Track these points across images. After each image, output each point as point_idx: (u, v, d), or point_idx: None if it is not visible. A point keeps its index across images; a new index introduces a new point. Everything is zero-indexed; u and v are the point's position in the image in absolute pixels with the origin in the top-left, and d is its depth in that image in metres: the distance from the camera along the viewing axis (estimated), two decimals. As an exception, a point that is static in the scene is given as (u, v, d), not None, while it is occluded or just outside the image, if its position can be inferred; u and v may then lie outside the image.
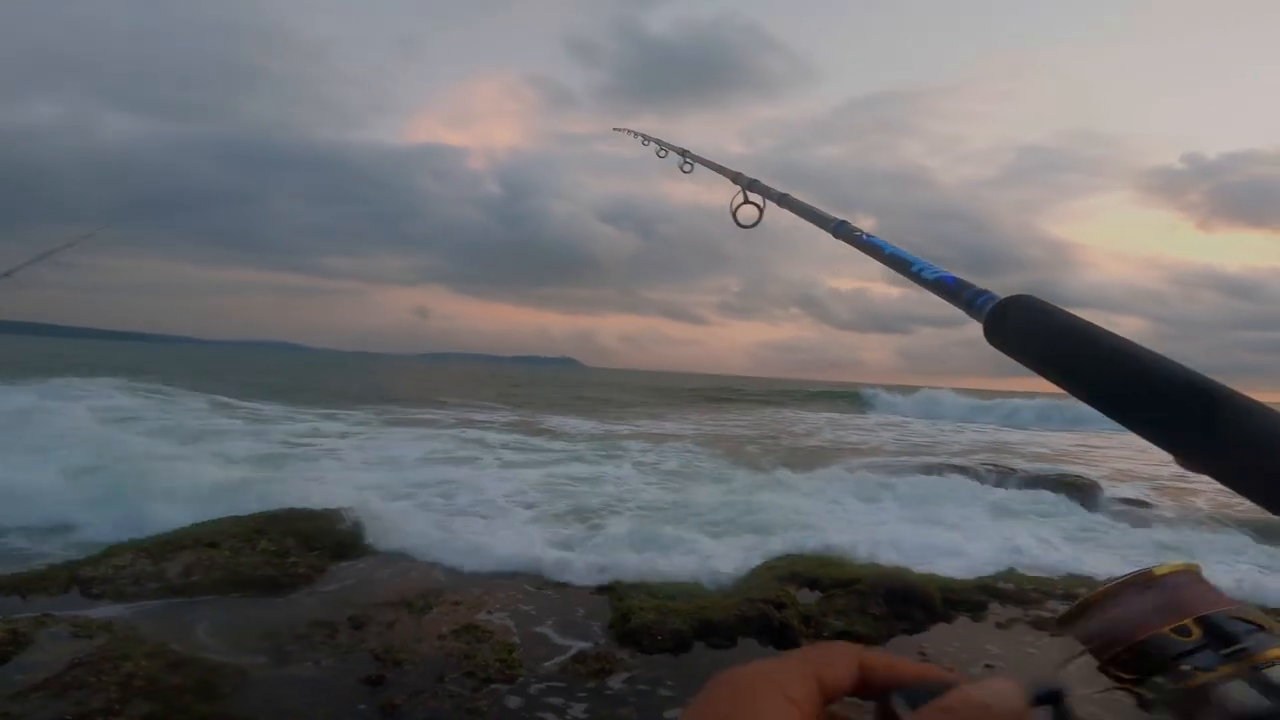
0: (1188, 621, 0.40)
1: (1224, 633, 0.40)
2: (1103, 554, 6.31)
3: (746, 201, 1.43)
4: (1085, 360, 0.51)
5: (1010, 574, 5.09)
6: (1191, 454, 0.44)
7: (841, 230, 1.01)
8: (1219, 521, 8.38)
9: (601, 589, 4.37)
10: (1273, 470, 0.41)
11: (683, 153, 2.01)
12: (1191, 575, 0.44)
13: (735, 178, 1.51)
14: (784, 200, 1.34)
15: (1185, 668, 0.38)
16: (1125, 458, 15.19)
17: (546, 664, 3.34)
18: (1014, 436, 21.44)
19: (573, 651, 3.49)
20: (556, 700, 3.03)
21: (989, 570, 5.13)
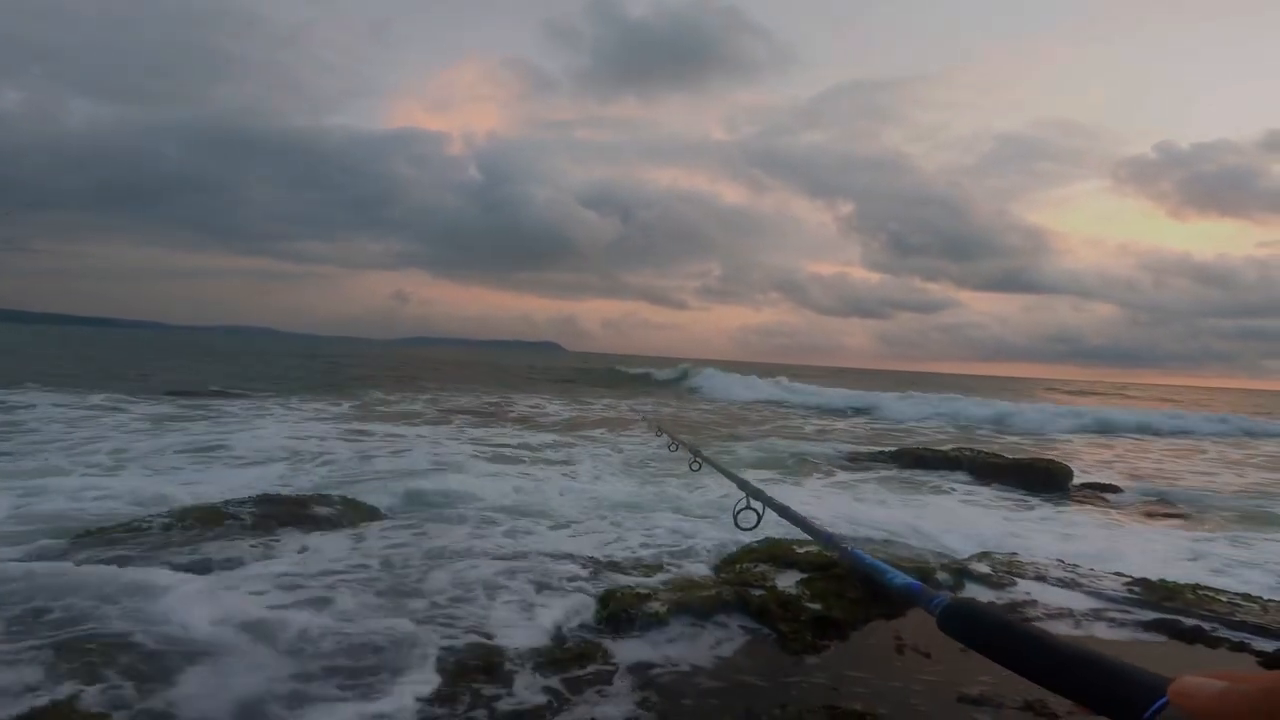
0: None
1: None
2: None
3: (749, 507, 1.62)
4: (1009, 650, 0.71)
5: (984, 556, 5.17)
6: (1086, 699, 0.60)
7: (831, 543, 1.28)
8: (1157, 517, 8.59)
9: (580, 573, 4.36)
10: (1131, 699, 0.57)
11: (694, 452, 2.27)
12: None
13: (741, 484, 1.71)
14: (783, 512, 1.58)
15: None
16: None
17: (526, 650, 3.32)
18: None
19: (554, 637, 3.48)
20: (536, 686, 3.02)
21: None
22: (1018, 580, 4.67)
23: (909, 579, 0.92)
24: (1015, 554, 5.31)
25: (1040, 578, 4.75)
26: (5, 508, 5.55)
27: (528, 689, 2.99)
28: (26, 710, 2.46)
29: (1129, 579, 4.72)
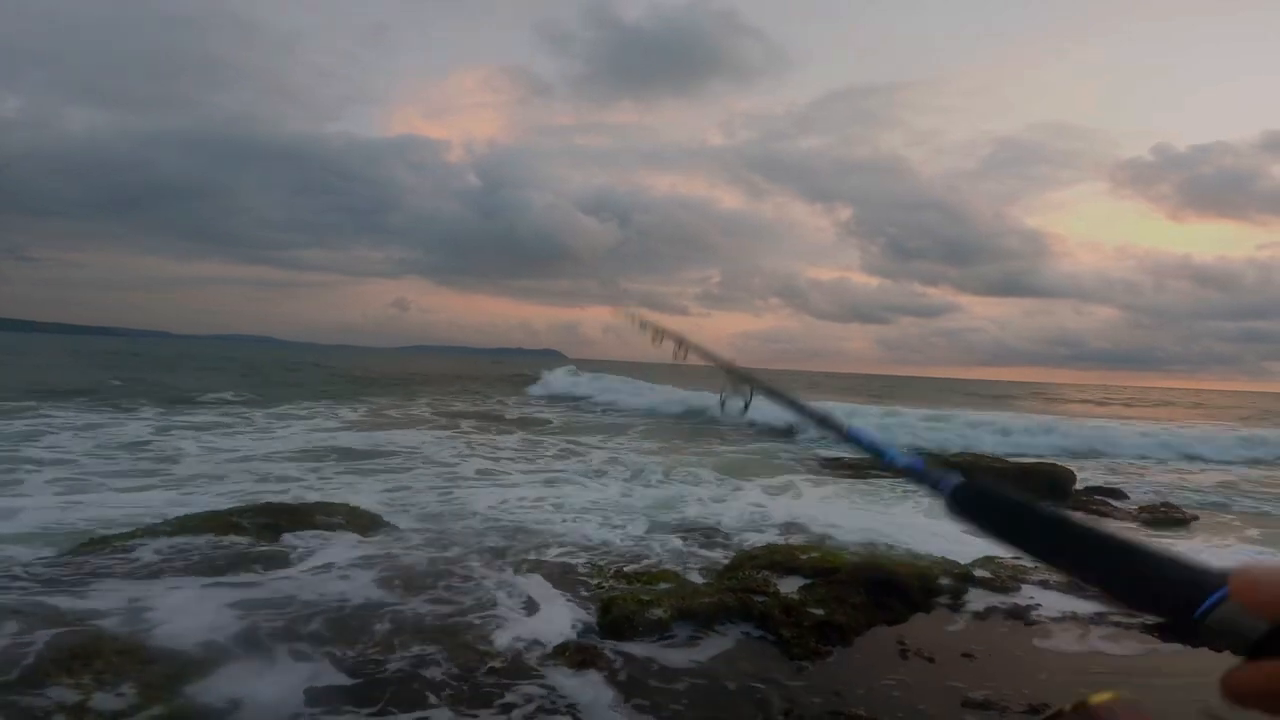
0: None
1: None
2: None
3: (736, 393, 1.51)
4: (1026, 533, 0.64)
5: (986, 561, 5.16)
6: (1122, 595, 0.54)
7: (826, 423, 1.15)
8: (1153, 525, 8.54)
9: (586, 576, 4.38)
10: (1181, 596, 0.49)
11: (678, 340, 2.13)
12: (1126, 703, 0.52)
13: (728, 369, 1.65)
14: (772, 394, 1.47)
15: None
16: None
17: (527, 655, 3.33)
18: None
19: (555, 642, 3.48)
20: (539, 691, 3.02)
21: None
22: (1021, 585, 4.67)
23: (912, 458, 0.85)
24: (1019, 559, 5.30)
25: (1044, 583, 4.74)
26: (32, 520, 5.61)
27: (530, 693, 2.99)
28: (40, 717, 2.47)
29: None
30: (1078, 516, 0.60)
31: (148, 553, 4.31)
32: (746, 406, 1.51)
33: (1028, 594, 4.54)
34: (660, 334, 2.21)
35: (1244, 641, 0.46)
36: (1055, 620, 4.15)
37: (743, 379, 1.52)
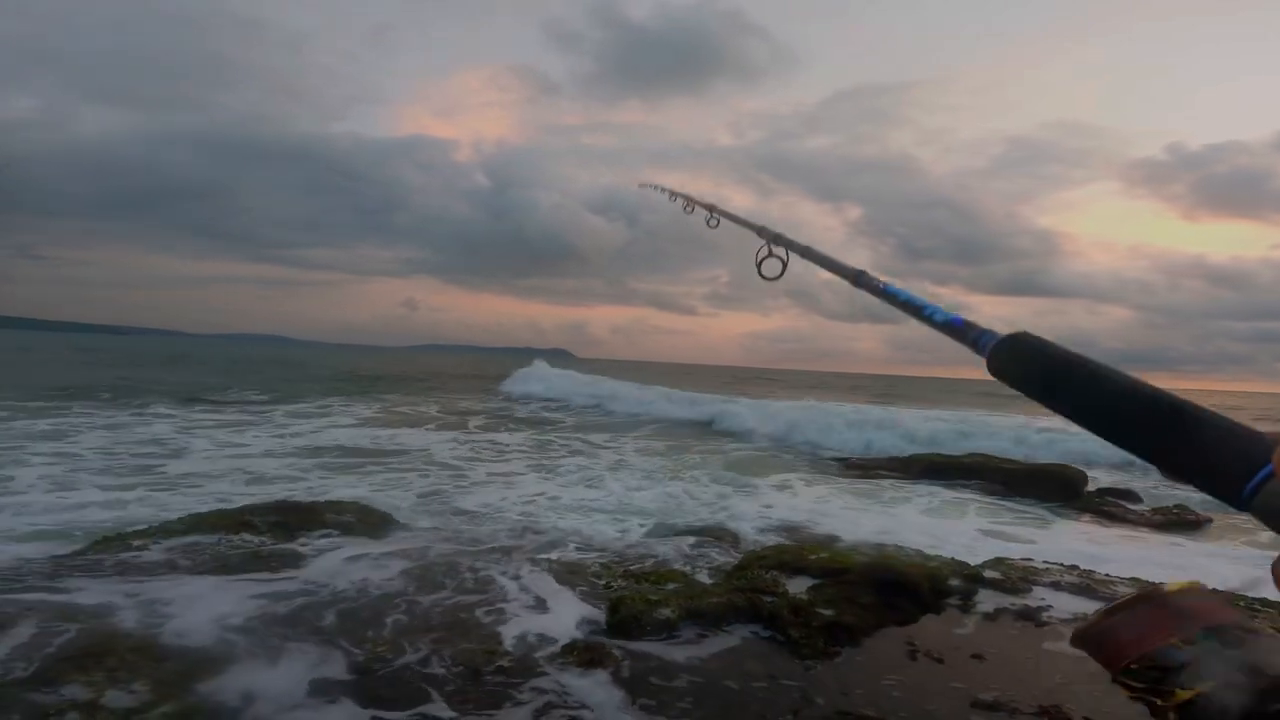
0: (1194, 633, 0.44)
1: (1228, 640, 0.44)
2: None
3: (771, 255, 1.47)
4: (1079, 392, 0.57)
5: (998, 562, 5.13)
6: (1171, 464, 0.49)
7: (861, 280, 1.10)
8: (1164, 528, 8.45)
9: (594, 576, 4.38)
10: (1231, 470, 0.44)
11: (710, 208, 2.05)
12: (1198, 591, 0.49)
13: (760, 231, 1.57)
14: (807, 253, 1.42)
15: (1191, 675, 0.43)
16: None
17: (535, 655, 3.34)
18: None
19: (563, 641, 3.49)
20: (546, 692, 3.03)
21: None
22: (1033, 586, 4.64)
23: (951, 314, 0.82)
24: (1030, 560, 5.26)
25: (1055, 584, 4.71)
26: (49, 517, 5.66)
27: (537, 692, 3.00)
28: (53, 714, 2.50)
29: (1145, 584, 4.67)
30: (1129, 375, 0.55)
31: (160, 550, 4.36)
32: (784, 268, 1.46)
33: (1039, 595, 4.50)
34: (691, 203, 2.20)
35: None
36: (1066, 622, 4.12)
37: (776, 240, 1.47)
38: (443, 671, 3.10)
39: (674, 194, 2.47)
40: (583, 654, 3.34)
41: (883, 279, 1.05)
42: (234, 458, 9.66)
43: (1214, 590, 0.50)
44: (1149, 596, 0.48)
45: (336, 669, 3.05)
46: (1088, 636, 0.50)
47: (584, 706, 2.94)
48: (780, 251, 1.46)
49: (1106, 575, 4.93)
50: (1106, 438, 0.53)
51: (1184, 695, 0.42)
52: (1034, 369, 0.62)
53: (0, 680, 2.71)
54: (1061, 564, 5.25)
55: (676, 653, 3.48)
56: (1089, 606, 4.36)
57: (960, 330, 0.77)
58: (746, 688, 3.20)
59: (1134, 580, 4.80)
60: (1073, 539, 7.08)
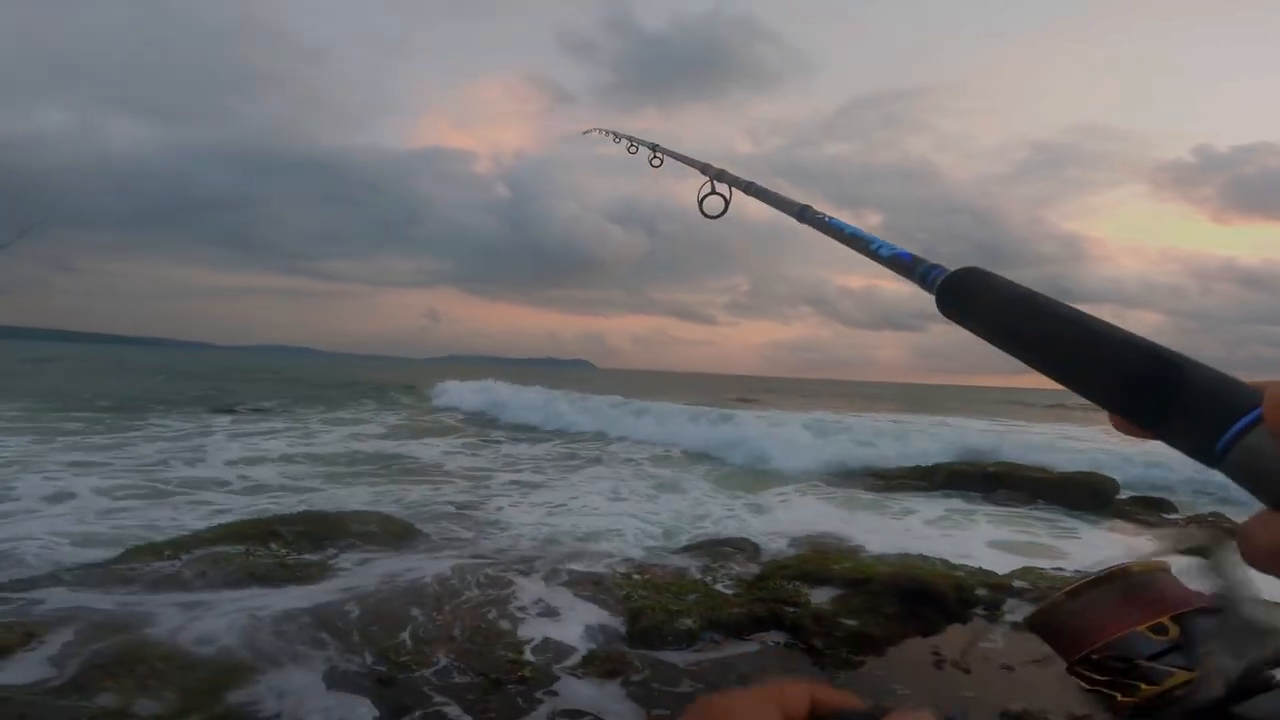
0: (1165, 619, 0.40)
1: (1198, 633, 0.39)
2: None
3: (714, 192, 1.42)
4: (1031, 327, 0.51)
5: (1027, 571, 5.03)
6: (1139, 414, 0.42)
7: (805, 215, 1.04)
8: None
9: (614, 587, 4.37)
10: (1205, 419, 0.38)
11: (653, 147, 2.00)
12: (1167, 573, 0.44)
13: (704, 169, 1.49)
14: (750, 188, 1.35)
15: (1161, 668, 0.37)
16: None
17: (557, 665, 3.34)
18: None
19: (583, 652, 3.48)
20: (568, 702, 3.02)
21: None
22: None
23: (898, 248, 0.75)
24: (1060, 569, 5.16)
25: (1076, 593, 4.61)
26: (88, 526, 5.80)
27: (559, 702, 3.00)
28: (84, 717, 2.55)
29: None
30: (1093, 315, 0.48)
31: (190, 560, 4.43)
32: (727, 205, 1.39)
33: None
34: (635, 143, 2.17)
35: (1272, 482, 0.34)
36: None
37: (719, 177, 1.41)
38: (465, 681, 3.12)
39: (618, 135, 2.45)
40: (603, 664, 3.33)
41: (826, 214, 0.98)
42: (264, 464, 9.82)
43: (1167, 570, 0.43)
44: (1113, 577, 0.42)
45: (360, 679, 3.07)
46: (1044, 621, 0.44)
47: (604, 716, 2.93)
48: (723, 189, 1.41)
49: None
50: (1067, 383, 0.47)
51: (1149, 691, 0.37)
52: (988, 306, 0.56)
53: (35, 688, 2.78)
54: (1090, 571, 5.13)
55: (698, 663, 3.46)
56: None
57: (908, 265, 0.70)
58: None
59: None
60: (1104, 548, 6.92)
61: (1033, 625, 0.44)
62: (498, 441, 14.40)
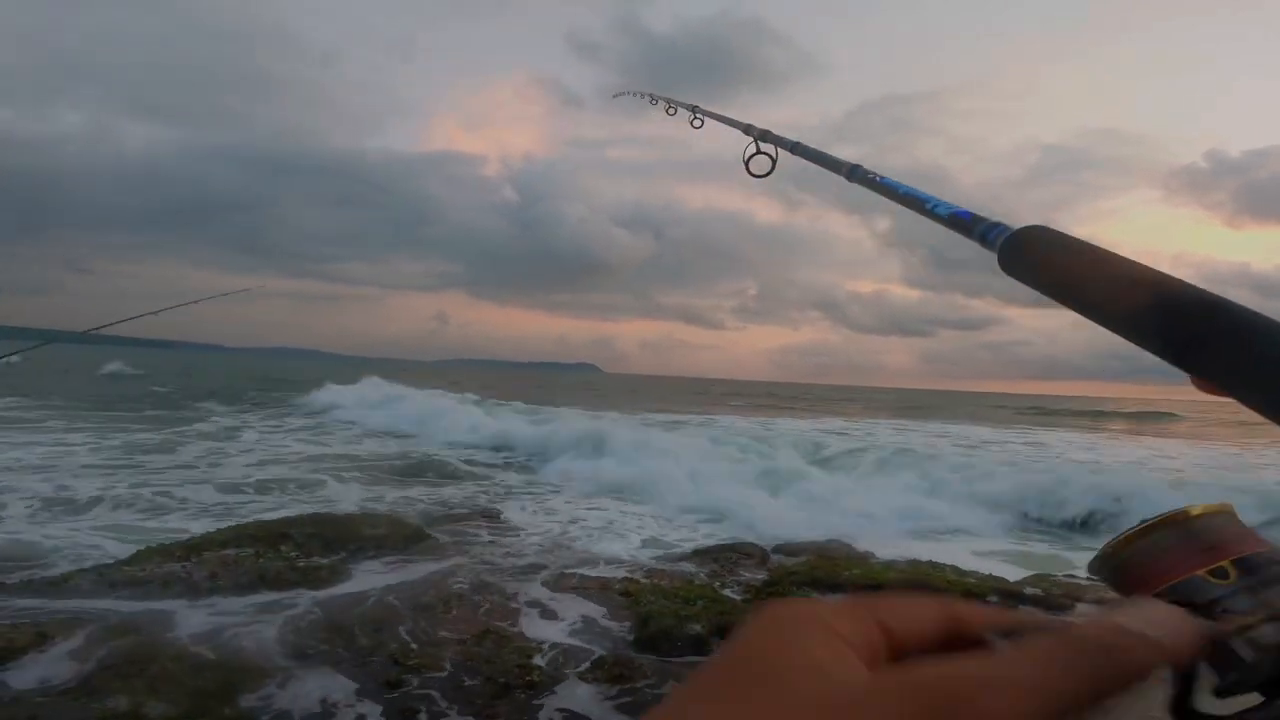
0: (1225, 564, 0.38)
1: (1260, 575, 0.37)
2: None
3: (759, 152, 1.40)
4: (1100, 283, 0.50)
5: (1039, 579, 4.99)
6: (1207, 371, 0.42)
7: (856, 174, 1.00)
8: None
9: (622, 592, 4.36)
10: (1255, 367, 0.38)
11: (692, 108, 1.97)
12: (1227, 515, 0.42)
13: (747, 129, 1.45)
14: (796, 148, 1.32)
15: (1222, 611, 0.36)
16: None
17: (566, 670, 3.33)
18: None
19: (593, 657, 3.47)
20: (576, 707, 3.01)
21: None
22: (1076, 603, 4.49)
23: (956, 206, 0.72)
24: (1073, 576, 5.10)
25: (1101, 600, 4.55)
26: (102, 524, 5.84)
27: (566, 707, 2.98)
28: (95, 718, 2.56)
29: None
30: (1160, 270, 0.47)
31: (201, 562, 4.45)
32: (773, 165, 1.37)
33: (1082, 612, 4.36)
34: (673, 104, 2.15)
35: None
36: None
37: (764, 137, 1.39)
38: (473, 684, 3.11)
39: (655, 97, 2.41)
40: (612, 669, 3.32)
41: (879, 174, 0.94)
42: (279, 463, 9.88)
43: (1237, 514, 0.42)
44: (1173, 520, 0.41)
45: (370, 682, 3.07)
46: (1105, 564, 0.42)
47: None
48: (769, 148, 1.38)
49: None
50: (1135, 339, 0.46)
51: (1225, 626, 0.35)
52: (1053, 264, 0.54)
53: (47, 689, 2.79)
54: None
55: (707, 669, 3.44)
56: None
57: (967, 224, 0.69)
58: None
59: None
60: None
61: (1094, 570, 0.42)
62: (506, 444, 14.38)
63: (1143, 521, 0.44)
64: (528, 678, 3.18)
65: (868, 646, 0.28)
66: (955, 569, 5.27)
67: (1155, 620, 0.30)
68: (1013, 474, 10.04)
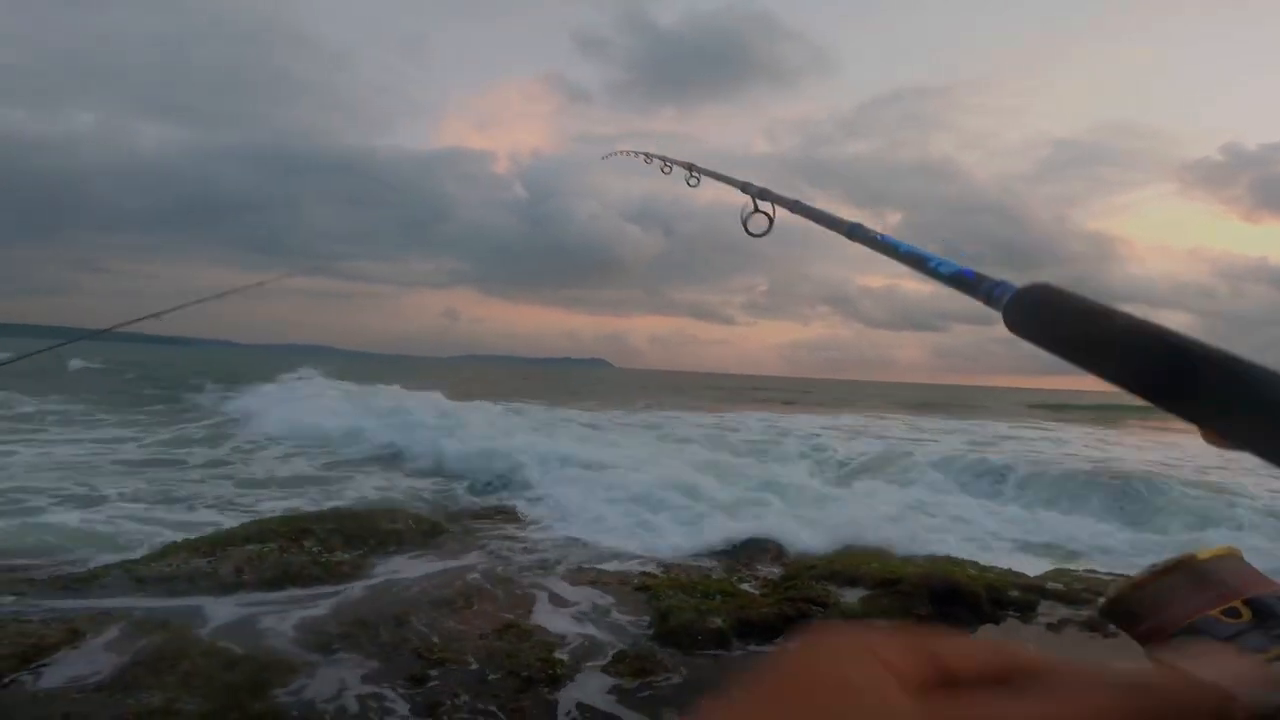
0: (1236, 604, 0.40)
1: (1274, 613, 0.39)
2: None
3: (757, 210, 1.41)
4: (1105, 341, 0.50)
5: (1060, 573, 4.95)
6: (1218, 427, 0.42)
7: (857, 233, 1.03)
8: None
9: (641, 587, 4.37)
10: (1265, 426, 0.38)
11: (689, 167, 1.96)
12: (1236, 558, 0.44)
13: (744, 187, 1.46)
14: (796, 207, 1.33)
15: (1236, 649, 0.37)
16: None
17: (587, 664, 3.35)
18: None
19: (614, 651, 3.49)
20: (598, 701, 3.03)
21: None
22: (1097, 597, 4.45)
23: (959, 265, 0.72)
24: (1094, 571, 5.07)
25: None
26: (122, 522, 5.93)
27: (588, 701, 3.01)
28: (129, 715, 2.61)
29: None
30: (1169, 328, 0.47)
31: (226, 558, 4.51)
32: (771, 224, 1.37)
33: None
34: (668, 163, 2.14)
35: None
36: (1135, 635, 3.94)
37: (762, 195, 1.39)
38: (496, 678, 3.14)
39: (649, 156, 2.39)
40: (633, 663, 3.34)
41: (878, 232, 0.95)
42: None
43: (1244, 557, 0.43)
44: (1182, 564, 0.42)
45: (395, 676, 3.11)
46: (1116, 608, 0.44)
47: (636, 716, 2.94)
48: (766, 207, 1.38)
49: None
50: (1148, 398, 0.46)
51: None
52: (1060, 323, 0.54)
53: (80, 685, 2.84)
54: (1127, 575, 5.03)
55: (728, 661, 3.45)
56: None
57: (971, 283, 0.68)
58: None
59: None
60: (1137, 550, 6.78)
61: (1103, 613, 0.45)
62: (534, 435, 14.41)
63: (1151, 566, 0.46)
64: (550, 672, 3.21)
65: (916, 677, 0.27)
66: (975, 564, 5.25)
67: (1223, 667, 0.31)
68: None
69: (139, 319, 3.02)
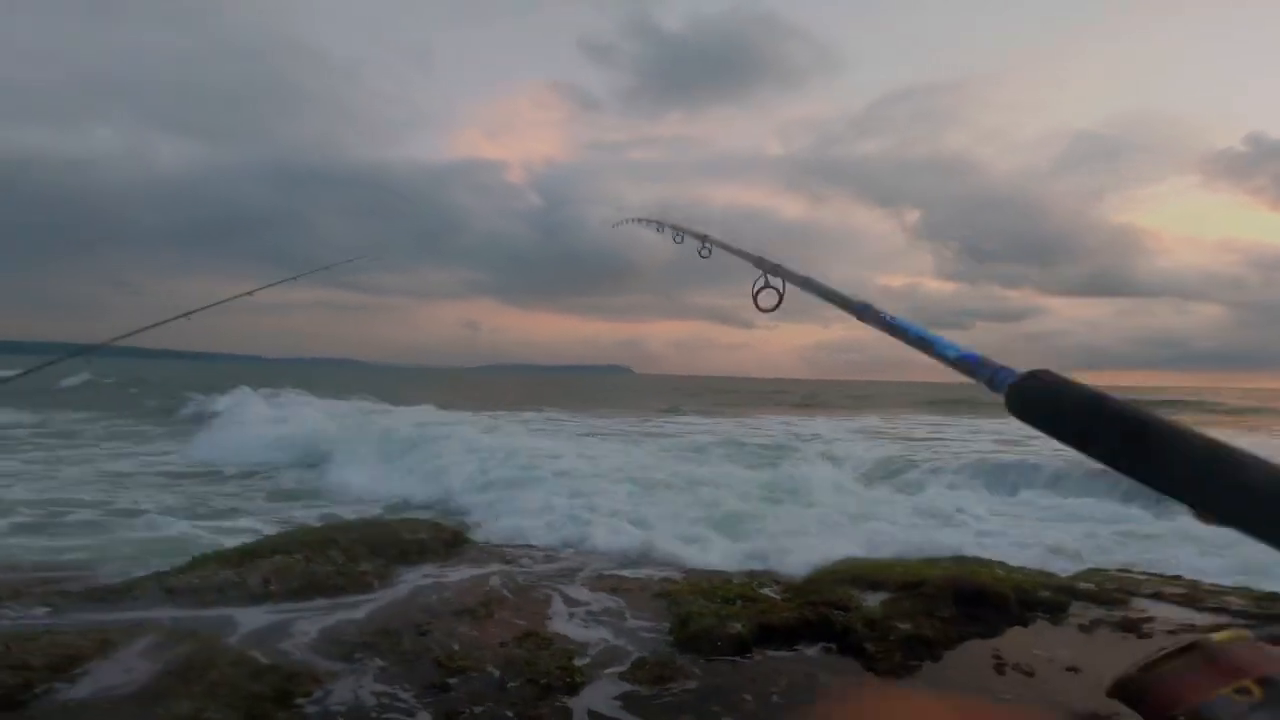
0: (1247, 683, 0.41)
1: None
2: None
3: (768, 285, 1.45)
4: (1103, 431, 0.54)
5: (1092, 573, 4.85)
6: (1223, 512, 0.46)
7: (867, 314, 1.15)
8: None
9: (661, 593, 4.37)
10: (1262, 512, 0.42)
11: (702, 237, 1.98)
12: (1246, 640, 0.46)
13: (757, 262, 1.51)
14: (807, 284, 1.37)
15: None
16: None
17: (606, 671, 3.35)
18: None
19: (633, 658, 3.49)
20: (618, 708, 3.03)
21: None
22: (1131, 597, 4.35)
23: (966, 350, 0.77)
24: (1127, 570, 4.95)
25: (1157, 595, 4.41)
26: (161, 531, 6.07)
27: (608, 710, 3.00)
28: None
29: (1259, 593, 4.32)
30: (1168, 419, 0.51)
31: (252, 568, 4.59)
32: (780, 299, 1.42)
33: (1139, 606, 4.22)
34: (681, 232, 2.13)
35: None
36: (1171, 633, 3.83)
37: (774, 271, 1.43)
38: (516, 686, 3.15)
39: (661, 225, 2.38)
40: (653, 670, 3.33)
41: (889, 314, 1.03)
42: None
43: (1254, 639, 0.46)
44: (1193, 647, 0.45)
45: (416, 685, 3.14)
46: (1128, 689, 0.45)
47: (657, 723, 2.93)
48: (777, 282, 1.43)
49: (1215, 585, 4.58)
50: (1140, 479, 0.50)
51: None
52: (1058, 409, 0.58)
53: (112, 694, 2.91)
54: (1162, 574, 4.91)
55: (748, 667, 3.43)
56: (1196, 618, 4.05)
57: (974, 367, 0.74)
58: (820, 704, 3.12)
59: (1244, 589, 4.44)
60: (1172, 549, 6.61)
61: (1111, 693, 0.47)
62: (564, 442, 14.52)
63: (1161, 650, 0.48)
64: (569, 679, 3.21)
65: None
66: (1003, 564, 5.15)
67: None
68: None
69: (127, 334, 3.09)
